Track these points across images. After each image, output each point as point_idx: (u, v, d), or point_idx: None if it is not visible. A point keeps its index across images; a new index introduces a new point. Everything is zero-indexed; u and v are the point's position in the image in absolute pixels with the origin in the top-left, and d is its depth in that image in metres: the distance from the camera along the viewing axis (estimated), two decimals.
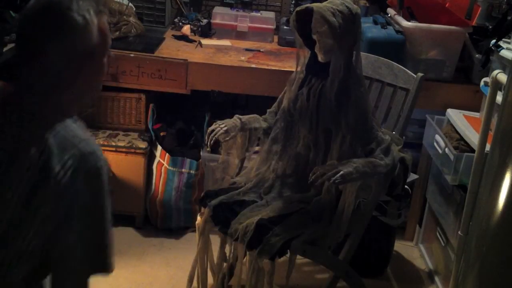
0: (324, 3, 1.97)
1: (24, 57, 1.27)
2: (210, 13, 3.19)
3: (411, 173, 2.46)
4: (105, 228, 1.32)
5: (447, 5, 2.77)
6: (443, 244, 2.50)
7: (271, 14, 3.21)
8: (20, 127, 1.21)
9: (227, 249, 2.08)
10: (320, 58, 2.01)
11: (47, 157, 1.19)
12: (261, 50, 2.95)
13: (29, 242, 1.22)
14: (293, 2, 3.26)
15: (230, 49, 2.93)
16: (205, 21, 3.13)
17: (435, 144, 2.49)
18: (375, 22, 2.66)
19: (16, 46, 1.29)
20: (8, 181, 1.19)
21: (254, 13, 3.16)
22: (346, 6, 1.94)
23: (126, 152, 2.71)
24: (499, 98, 1.98)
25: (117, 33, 2.82)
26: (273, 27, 3.11)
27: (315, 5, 1.94)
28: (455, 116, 2.50)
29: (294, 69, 2.17)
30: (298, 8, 1.99)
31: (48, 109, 1.25)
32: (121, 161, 2.71)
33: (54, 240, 1.23)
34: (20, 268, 1.24)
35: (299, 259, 2.11)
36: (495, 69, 2.07)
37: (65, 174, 1.20)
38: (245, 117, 2.20)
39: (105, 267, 1.34)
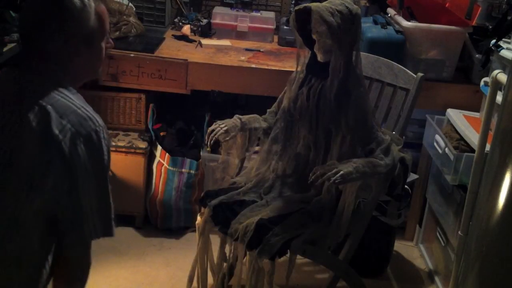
0: (324, 3, 1.97)
1: (24, 39, 1.34)
2: (210, 13, 3.19)
3: (411, 173, 2.46)
4: (108, 191, 1.35)
5: (447, 5, 2.77)
6: (443, 244, 2.50)
7: (271, 14, 3.21)
8: (20, 103, 1.27)
9: (227, 249, 2.08)
10: (319, 58, 2.01)
11: (46, 123, 1.24)
12: (261, 50, 2.95)
13: (38, 206, 1.26)
14: (293, 2, 3.26)
15: (230, 49, 2.93)
16: (205, 21, 3.13)
17: (435, 144, 2.49)
18: (375, 22, 2.66)
19: (18, 29, 1.35)
20: (11, 150, 1.25)
21: (254, 13, 3.17)
22: (346, 6, 1.94)
23: (126, 152, 2.71)
24: (499, 98, 1.98)
25: (117, 33, 2.83)
26: (273, 27, 3.11)
27: (313, 4, 1.94)
28: (455, 116, 2.50)
29: (294, 69, 2.17)
30: (296, 8, 1.99)
31: (47, 86, 1.30)
32: (121, 161, 2.71)
33: (62, 204, 1.27)
34: (31, 231, 1.28)
35: (299, 259, 2.11)
36: (495, 69, 2.07)
37: (65, 137, 1.24)
38: (245, 117, 2.20)
39: (109, 230, 1.37)
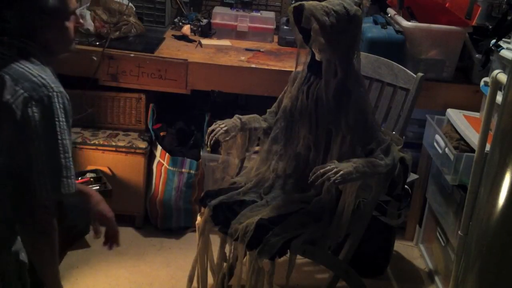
0: (322, 2, 1.96)
1: None
2: (210, 13, 3.19)
3: (411, 173, 2.46)
4: (60, 152, 1.41)
5: (447, 5, 2.77)
6: (443, 244, 2.50)
7: (271, 14, 3.21)
8: None
9: (227, 249, 2.08)
10: (316, 56, 2.02)
11: (0, 89, 1.37)
12: (261, 50, 2.95)
13: None
14: (293, 2, 3.26)
15: (230, 49, 2.93)
16: (205, 21, 3.13)
17: (435, 144, 2.49)
18: (375, 22, 2.66)
19: None
20: None
21: (254, 13, 3.17)
22: (344, 6, 1.93)
23: (126, 152, 2.71)
24: (499, 98, 1.98)
25: (117, 33, 2.83)
26: (273, 27, 3.11)
27: (307, 2, 1.93)
28: (455, 116, 2.50)
29: (294, 69, 2.17)
30: (293, 4, 1.98)
31: (8, 58, 1.42)
32: (121, 161, 2.71)
33: (15, 163, 1.37)
34: None
35: (299, 259, 2.10)
36: (495, 69, 2.07)
37: (16, 100, 1.36)
38: (245, 117, 2.20)
39: (62, 188, 1.43)
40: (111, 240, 1.74)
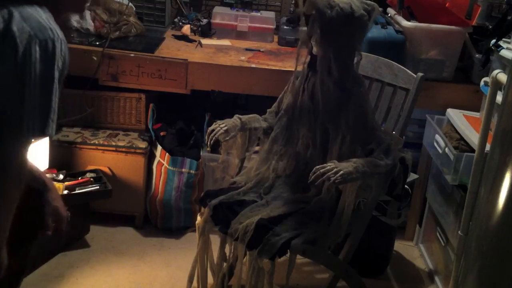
0: None
1: None
2: (210, 13, 3.19)
3: (411, 173, 2.46)
4: (53, 95, 1.42)
5: (447, 5, 2.77)
6: (443, 244, 2.50)
7: (271, 14, 3.21)
8: None
9: (227, 249, 2.08)
10: (314, 49, 2.02)
11: (8, 21, 1.36)
12: (261, 50, 2.95)
13: None
14: (293, 2, 3.27)
15: (230, 49, 2.93)
16: (205, 21, 3.13)
17: (435, 144, 2.49)
18: (375, 22, 2.66)
19: None
20: None
21: (254, 13, 3.17)
22: (351, 6, 1.92)
23: (126, 152, 2.71)
24: (499, 98, 1.98)
25: (117, 33, 2.82)
26: (273, 27, 3.12)
27: None
28: (455, 116, 2.50)
29: (294, 69, 2.17)
30: None
31: (18, 1, 1.41)
32: (121, 161, 2.71)
33: (6, 96, 1.37)
34: None
35: (299, 259, 2.11)
36: (495, 69, 2.07)
37: (21, 35, 1.35)
38: (245, 117, 2.20)
39: (45, 130, 1.42)
40: (54, 235, 1.72)
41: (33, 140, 1.46)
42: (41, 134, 1.42)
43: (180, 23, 3.16)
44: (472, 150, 2.19)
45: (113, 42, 2.77)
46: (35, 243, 1.87)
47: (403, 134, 2.23)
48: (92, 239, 2.67)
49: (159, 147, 2.75)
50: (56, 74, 1.41)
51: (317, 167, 1.87)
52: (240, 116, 2.19)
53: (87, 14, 2.88)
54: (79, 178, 2.62)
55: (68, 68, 1.46)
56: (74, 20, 2.88)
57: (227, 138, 2.13)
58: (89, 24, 2.87)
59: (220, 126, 2.13)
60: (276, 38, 3.13)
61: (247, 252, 1.92)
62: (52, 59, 1.40)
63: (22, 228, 1.67)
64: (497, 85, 1.98)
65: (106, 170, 2.70)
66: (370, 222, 2.10)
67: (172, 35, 3.05)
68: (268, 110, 2.29)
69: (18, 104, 1.38)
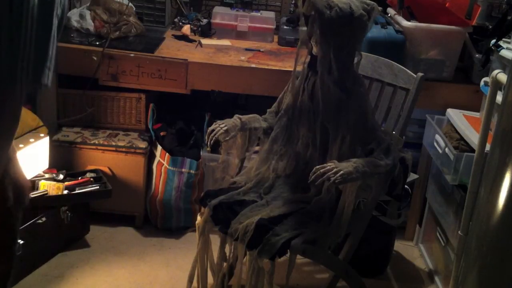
0: None
1: None
2: (210, 13, 3.19)
3: (411, 173, 2.46)
4: (51, 42, 1.41)
5: (447, 5, 2.77)
6: (443, 244, 2.50)
7: (271, 14, 3.21)
8: None
9: (227, 249, 2.08)
10: (314, 49, 2.02)
11: None
12: (261, 50, 2.95)
13: None
14: (293, 2, 3.27)
15: (230, 49, 2.93)
16: (205, 21, 3.13)
17: (435, 144, 2.49)
18: (375, 22, 2.66)
19: None
20: None
21: (254, 13, 3.17)
22: (350, 6, 1.92)
23: (126, 152, 2.71)
24: (499, 98, 1.98)
25: (117, 33, 2.83)
26: (273, 27, 3.12)
27: None
28: (455, 116, 2.50)
29: (293, 69, 2.17)
30: None
31: None
32: (121, 161, 2.71)
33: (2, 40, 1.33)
34: None
35: (299, 259, 2.11)
36: (495, 69, 2.07)
37: None
38: (245, 117, 2.20)
39: (43, 77, 1.41)
40: (16, 205, 1.66)
41: (27, 89, 1.45)
42: (36, 81, 1.39)
43: (180, 23, 3.16)
44: (472, 150, 2.19)
45: (113, 42, 2.77)
46: (17, 247, 1.84)
47: (403, 134, 2.23)
48: (92, 239, 2.67)
49: (159, 147, 2.75)
50: (55, 21, 1.38)
51: (317, 167, 1.87)
52: (240, 116, 2.19)
53: (87, 14, 2.88)
54: (79, 178, 2.62)
55: (66, 20, 1.44)
56: (74, 20, 2.89)
57: (227, 138, 2.13)
58: (89, 24, 2.87)
59: (220, 126, 2.13)
60: (276, 38, 3.13)
61: (247, 252, 1.92)
62: (51, 8, 1.37)
63: (1, 233, 1.65)
64: (497, 85, 1.98)
65: (106, 170, 2.70)
66: (370, 222, 2.10)
67: (172, 35, 3.05)
68: (268, 110, 2.29)
69: (13, 51, 1.34)
